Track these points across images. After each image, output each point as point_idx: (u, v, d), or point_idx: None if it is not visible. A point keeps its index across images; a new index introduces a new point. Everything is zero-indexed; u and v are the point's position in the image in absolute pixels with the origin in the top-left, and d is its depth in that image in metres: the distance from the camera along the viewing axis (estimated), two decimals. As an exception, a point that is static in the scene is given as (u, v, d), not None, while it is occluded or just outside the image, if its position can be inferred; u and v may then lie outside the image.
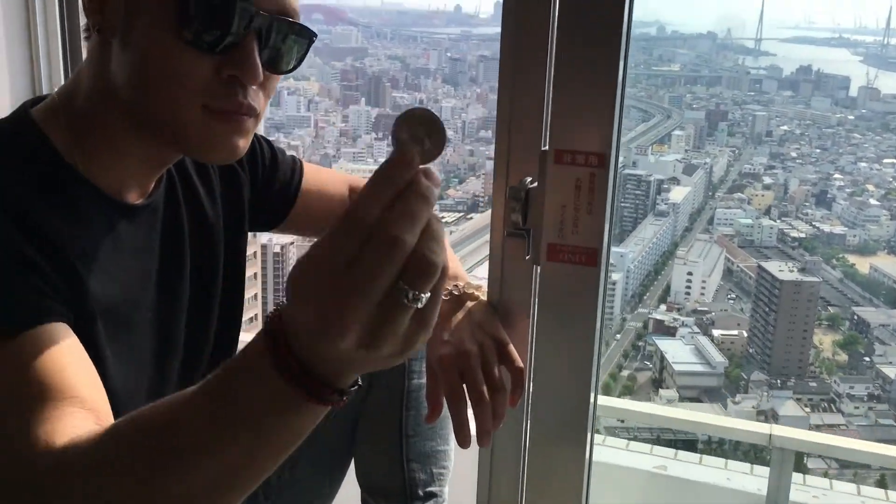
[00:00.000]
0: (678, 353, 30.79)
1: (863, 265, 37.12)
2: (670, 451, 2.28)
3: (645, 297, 36.45)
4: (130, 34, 0.91)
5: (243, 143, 0.96)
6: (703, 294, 35.37)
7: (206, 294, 1.13)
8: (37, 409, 0.73)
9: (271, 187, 1.27)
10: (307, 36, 0.97)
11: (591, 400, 1.17)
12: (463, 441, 1.13)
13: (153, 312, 1.03)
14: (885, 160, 43.77)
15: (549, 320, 1.16)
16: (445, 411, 1.38)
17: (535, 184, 1.12)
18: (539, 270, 1.15)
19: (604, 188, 1.08)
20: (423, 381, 1.36)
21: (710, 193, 43.08)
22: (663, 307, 34.85)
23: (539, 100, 1.12)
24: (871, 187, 41.38)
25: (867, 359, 31.52)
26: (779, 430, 2.01)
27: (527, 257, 1.15)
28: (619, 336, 34.14)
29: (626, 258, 35.69)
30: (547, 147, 1.11)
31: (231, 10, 0.89)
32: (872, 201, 40.00)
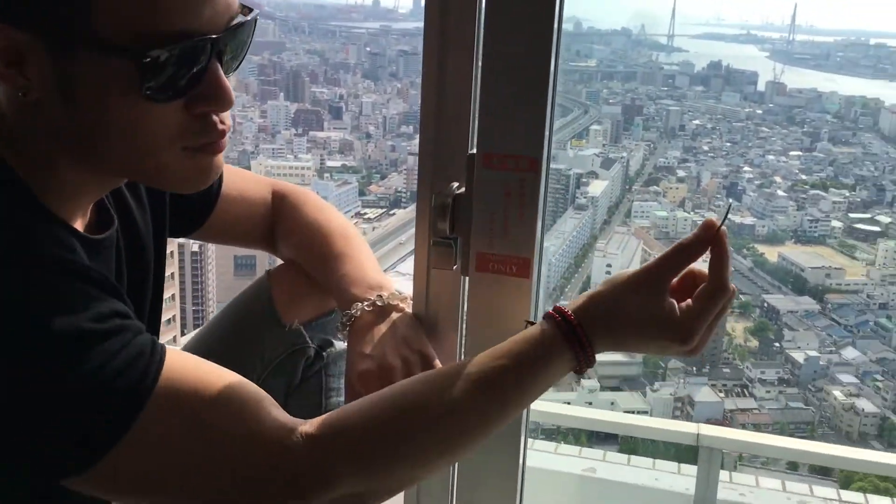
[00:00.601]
0: (599, 343, 31.41)
1: (772, 254, 38.65)
2: (599, 453, 2.26)
3: (566, 290, 37.09)
4: (75, 95, 0.81)
5: (222, 160, 0.91)
6: (621, 285, 36.14)
7: (138, 308, 1.04)
8: (238, 409, 0.84)
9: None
10: (254, 21, 0.89)
11: (525, 412, 1.11)
12: None
13: None
14: (791, 153, 45.67)
15: (478, 333, 1.09)
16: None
17: (463, 189, 1.05)
18: (467, 281, 1.08)
19: (535, 194, 1.01)
20: (342, 399, 1.28)
21: (626, 187, 44.11)
22: (584, 299, 35.47)
23: (465, 100, 1.05)
24: (778, 179, 43.10)
25: (777, 344, 32.85)
26: (706, 430, 2.01)
27: (454, 267, 1.08)
28: (541, 328, 34.57)
29: (547, 251, 36.04)
30: (475, 151, 1.04)
31: (196, 53, 0.81)
32: (780, 192, 41.67)
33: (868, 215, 40.21)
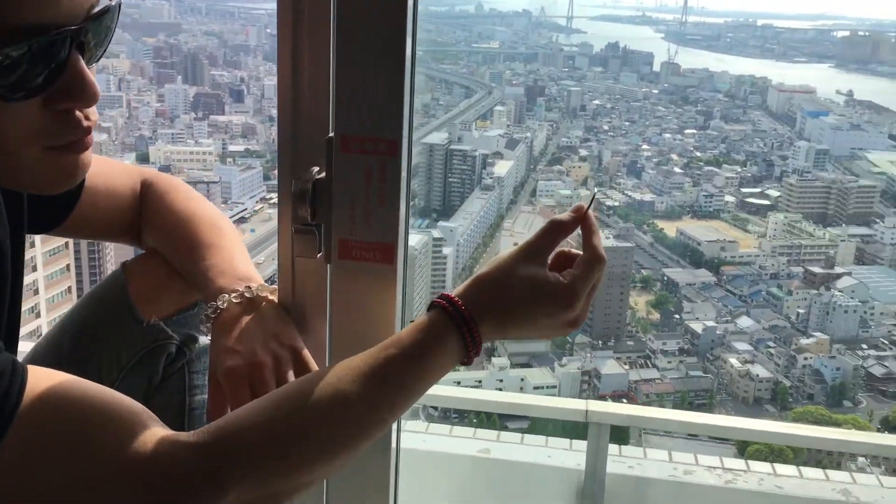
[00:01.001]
0: (508, 321, 31.85)
1: (670, 229, 40.02)
2: (493, 434, 2.27)
3: (475, 269, 37.42)
4: None
5: (89, 157, 0.84)
6: (528, 263, 36.75)
7: None
8: (113, 427, 0.80)
9: None
10: (118, 6, 0.82)
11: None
12: None
13: None
14: (687, 130, 47.28)
15: (344, 322, 1.06)
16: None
17: (323, 174, 1.02)
18: (331, 269, 1.05)
19: (396, 178, 0.99)
20: (206, 396, 1.23)
21: (531, 166, 44.78)
22: (492, 278, 35.88)
23: (322, 82, 1.01)
24: (675, 156, 44.58)
25: (677, 316, 34.09)
26: (594, 406, 2.05)
27: (318, 255, 1.04)
28: (451, 308, 34.86)
29: (455, 232, 36.44)
30: (332, 134, 1.00)
31: (53, 47, 0.74)
32: (676, 169, 43.12)
33: (758, 190, 42.11)
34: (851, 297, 32.38)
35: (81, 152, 0.82)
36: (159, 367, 1.20)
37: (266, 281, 1.13)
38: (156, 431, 0.81)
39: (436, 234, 35.80)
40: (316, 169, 1.03)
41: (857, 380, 30.02)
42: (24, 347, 1.22)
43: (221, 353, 1.04)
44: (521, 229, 37.32)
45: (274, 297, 1.10)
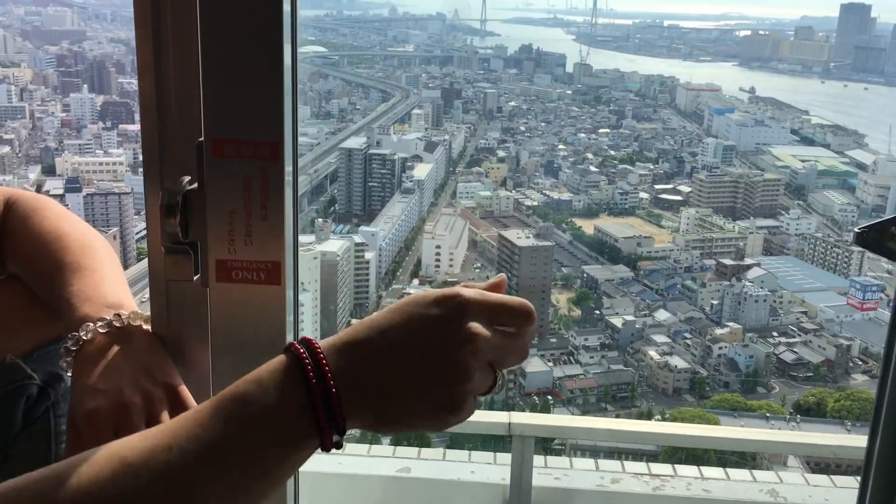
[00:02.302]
0: (432, 324, 31.83)
1: (588, 227, 40.76)
2: (414, 451, 2.15)
3: (398, 273, 37.26)
4: None
5: None
6: (451, 265, 36.89)
7: None
8: None
9: None
10: None
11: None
12: None
13: None
14: (601, 130, 48.29)
15: (229, 352, 0.92)
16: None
17: (195, 185, 0.88)
18: (210, 293, 0.91)
19: (280, 187, 0.85)
20: None
21: (451, 168, 44.93)
22: (416, 281, 35.89)
23: (190, 77, 0.87)
24: (590, 155, 45.44)
25: (597, 312, 34.71)
26: (517, 418, 1.95)
27: (195, 278, 0.90)
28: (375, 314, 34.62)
29: (377, 236, 36.23)
30: (203, 137, 0.86)
31: None
32: (592, 168, 43.97)
33: (671, 186, 43.30)
34: (761, 287, 33.62)
35: None
36: (18, 412, 1.03)
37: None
38: None
39: (357, 239, 35.51)
40: (187, 179, 0.89)
41: (769, 366, 31.18)
42: None
43: (82, 392, 0.89)
44: (443, 231, 37.36)
45: (147, 326, 0.96)
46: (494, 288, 0.72)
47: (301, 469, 0.89)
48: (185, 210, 0.88)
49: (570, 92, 53.38)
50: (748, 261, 36.62)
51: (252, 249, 0.87)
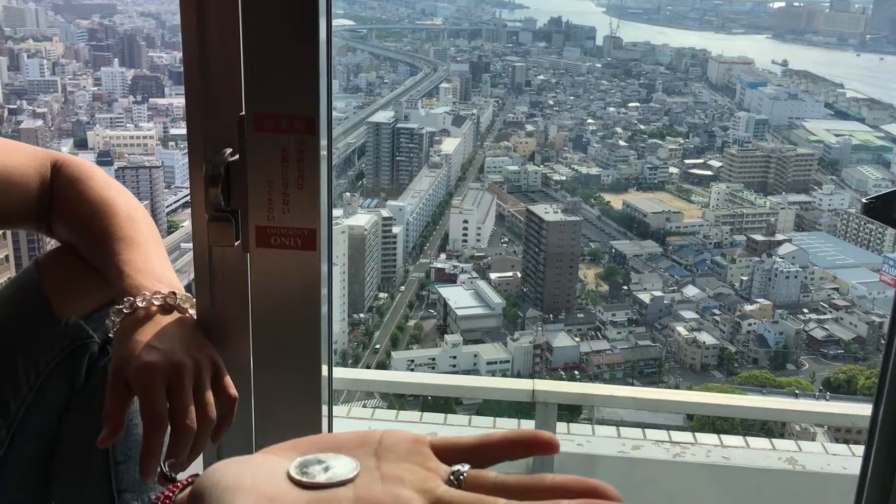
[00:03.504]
0: (460, 298, 31.99)
1: (616, 202, 40.46)
2: (440, 417, 2.22)
3: (425, 248, 37.36)
4: None
5: None
6: (478, 240, 36.89)
7: None
8: None
9: None
10: None
11: (325, 396, 1.02)
12: (149, 473, 0.92)
13: None
14: (631, 104, 47.74)
15: (268, 313, 0.99)
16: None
17: (237, 157, 0.94)
18: (250, 258, 0.97)
19: (315, 158, 0.91)
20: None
21: (478, 143, 44.76)
22: (443, 256, 35.96)
23: (232, 57, 0.93)
24: (619, 130, 45.00)
25: (625, 287, 34.58)
26: (540, 385, 2.01)
27: (236, 244, 0.96)
28: (403, 288, 34.82)
29: (404, 211, 36.29)
30: (244, 112, 0.92)
31: None
32: (621, 143, 43.55)
33: (701, 160, 42.79)
34: (792, 263, 33.24)
35: None
36: (81, 368, 1.11)
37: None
38: None
39: (384, 213, 35.60)
40: (229, 150, 0.95)
41: (799, 343, 30.91)
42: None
43: (137, 347, 0.95)
44: (470, 206, 37.32)
45: (193, 311, 1.02)
46: None
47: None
48: (226, 180, 0.94)
49: (599, 65, 52.76)
50: (779, 236, 36.18)
51: (289, 217, 0.94)
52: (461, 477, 0.55)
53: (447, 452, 0.58)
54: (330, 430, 1.10)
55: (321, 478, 0.55)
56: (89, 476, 1.12)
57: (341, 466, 0.55)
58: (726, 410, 2.10)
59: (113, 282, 1.04)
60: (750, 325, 31.16)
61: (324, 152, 0.93)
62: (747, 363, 30.64)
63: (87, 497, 1.13)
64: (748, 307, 32.08)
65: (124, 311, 0.99)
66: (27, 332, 1.09)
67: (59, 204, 1.12)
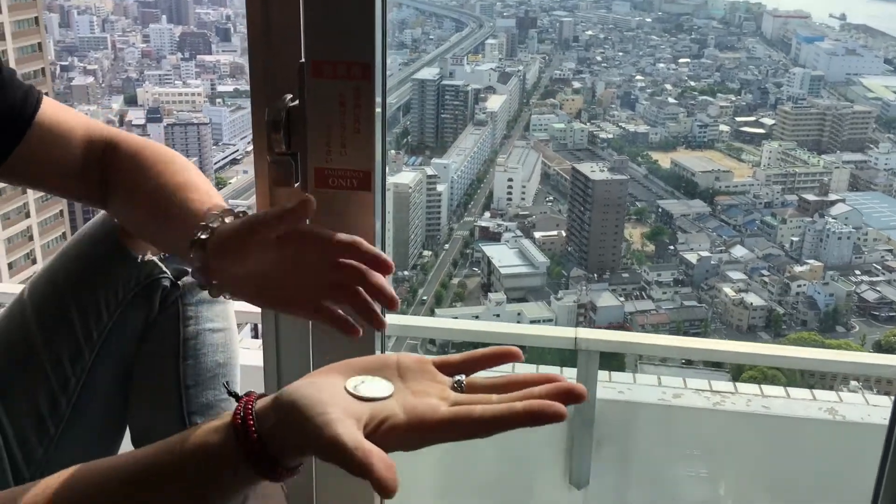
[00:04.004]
0: (504, 256, 32.03)
1: (664, 160, 39.83)
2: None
3: (470, 206, 37.36)
4: None
5: None
6: (523, 198, 36.74)
7: None
8: None
9: None
10: None
11: (377, 342, 1.09)
12: (353, 330, 0.98)
13: None
14: (681, 60, 46.64)
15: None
16: (228, 358, 1.27)
17: (296, 102, 1.00)
18: (309, 198, 1.03)
19: (371, 103, 0.97)
20: (200, 327, 1.23)
21: (524, 100, 44.28)
22: (487, 214, 35.93)
23: (293, 6, 0.98)
24: (668, 86, 44.08)
25: (672, 247, 34.21)
26: (583, 333, 2.06)
27: (295, 184, 1.03)
28: (447, 246, 34.97)
29: (449, 169, 36.25)
30: (304, 59, 0.98)
31: None
32: (670, 100, 42.68)
33: (753, 118, 41.78)
34: (845, 224, 32.50)
35: None
36: (155, 301, 1.21)
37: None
38: None
39: (429, 171, 35.60)
40: (289, 96, 1.01)
41: (849, 305, 30.37)
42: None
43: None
44: (515, 164, 37.11)
45: None
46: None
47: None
48: (287, 124, 1.00)
49: (649, 20, 51.51)
50: (832, 196, 35.33)
51: (346, 159, 1.00)
52: (462, 384, 0.77)
53: (446, 367, 0.80)
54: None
55: (371, 394, 0.72)
56: (162, 400, 1.22)
57: (380, 384, 0.74)
58: (768, 360, 2.13)
59: (184, 218, 1.06)
60: (799, 286, 30.66)
61: (378, 98, 0.98)
62: (795, 325, 30.23)
63: (159, 419, 1.23)
64: (798, 268, 31.54)
65: (202, 237, 0.99)
66: (107, 267, 1.19)
67: (117, 184, 1.15)
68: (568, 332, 2.10)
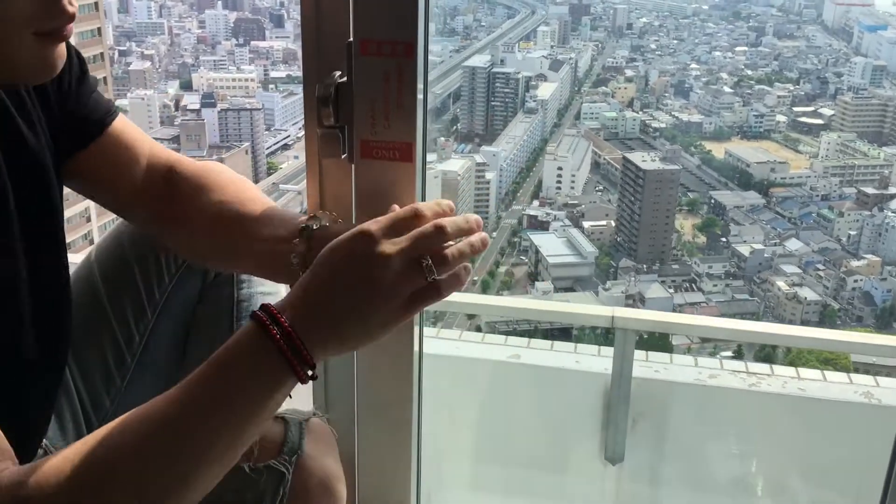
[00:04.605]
0: (551, 246, 31.89)
1: (718, 150, 39.13)
2: (524, 341, 2.35)
3: (518, 194, 37.26)
4: None
5: (64, 50, 0.89)
6: (572, 187, 36.50)
7: (44, 225, 1.01)
8: None
9: (71, 105, 1.09)
10: None
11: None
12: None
13: None
14: (738, 48, 45.68)
15: (368, 218, 1.13)
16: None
17: (345, 79, 1.07)
18: (355, 168, 1.11)
19: (412, 80, 1.04)
20: (252, 290, 1.32)
21: (576, 88, 43.87)
22: (536, 203, 35.79)
23: (342, -13, 1.06)
24: (724, 75, 43.23)
25: (724, 239, 33.65)
26: (620, 313, 2.11)
27: (343, 156, 1.11)
28: (495, 234, 34.97)
29: (498, 157, 36.16)
30: (352, 38, 1.05)
31: None
32: (726, 89, 41.88)
33: (812, 108, 40.76)
34: (906, 218, 31.61)
35: (64, 40, 0.87)
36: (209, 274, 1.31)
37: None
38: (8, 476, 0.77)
39: (478, 158, 35.57)
40: (338, 73, 1.08)
41: (908, 302, 29.59)
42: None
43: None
44: (565, 153, 36.87)
45: None
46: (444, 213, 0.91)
47: (425, 352, 1.14)
48: (336, 99, 1.08)
49: (706, 7, 50.52)
50: (893, 190, 34.34)
51: (390, 131, 1.07)
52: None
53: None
54: (420, 345, 1.25)
55: None
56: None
57: None
58: (804, 342, 2.15)
59: (280, 217, 1.12)
60: (856, 281, 29.94)
61: (420, 75, 1.05)
62: (851, 320, 29.54)
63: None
64: (855, 263, 30.77)
65: (313, 225, 1.07)
66: None
67: (180, 213, 1.18)
68: (605, 311, 2.15)
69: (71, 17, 0.85)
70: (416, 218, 0.87)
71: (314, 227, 1.06)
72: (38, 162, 1.01)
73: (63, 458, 0.77)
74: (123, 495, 0.77)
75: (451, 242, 0.88)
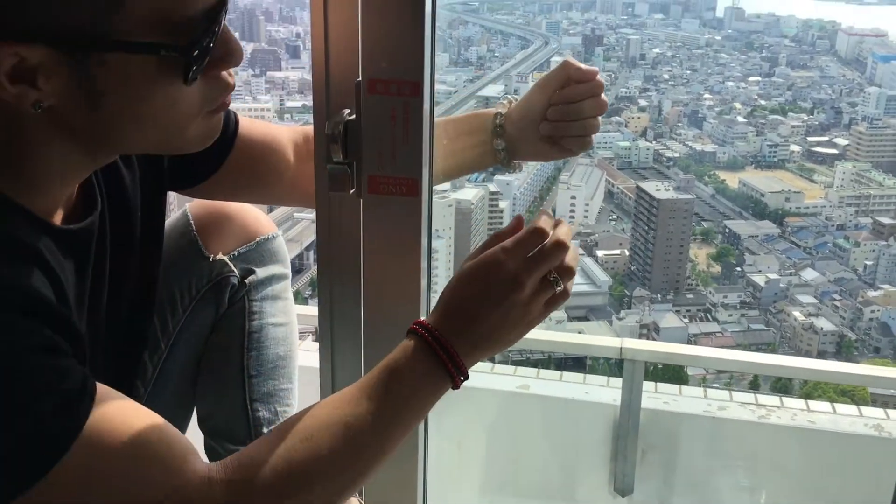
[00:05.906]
0: (565, 275, 31.73)
1: (732, 180, 39.09)
2: (533, 371, 2.36)
3: (531, 216, 37.20)
4: (102, 96, 0.79)
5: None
6: (586, 216, 36.50)
7: (124, 268, 1.06)
8: (162, 460, 0.84)
9: None
10: None
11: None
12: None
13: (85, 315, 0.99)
14: (751, 78, 45.79)
15: (376, 250, 1.16)
16: (288, 351, 1.38)
17: (353, 116, 1.11)
18: (363, 203, 1.15)
19: (419, 117, 1.07)
20: (264, 321, 1.35)
21: (589, 118, 43.91)
22: (550, 232, 35.69)
23: (351, 29, 1.09)
24: (738, 105, 43.31)
25: (738, 269, 33.49)
26: (629, 343, 2.12)
27: (351, 191, 1.14)
28: (509, 263, 34.86)
29: (512, 186, 36.28)
30: (360, 78, 1.09)
31: (216, 20, 0.82)
32: (739, 119, 41.92)
33: (826, 138, 40.71)
34: (922, 249, 31.36)
35: (226, 108, 0.93)
36: (225, 297, 1.34)
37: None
38: (194, 469, 0.85)
39: (492, 187, 35.66)
40: (347, 111, 1.12)
41: (926, 333, 29.26)
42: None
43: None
44: (579, 182, 36.93)
45: None
46: (517, 228, 1.01)
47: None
48: (344, 136, 1.11)
49: (719, 38, 50.76)
50: (909, 220, 34.14)
51: (396, 167, 1.10)
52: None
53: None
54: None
55: None
56: (227, 388, 1.34)
57: None
58: (814, 375, 2.15)
59: (468, 124, 1.35)
60: (873, 311, 29.66)
61: (426, 113, 1.09)
62: (868, 351, 29.23)
63: (223, 404, 1.35)
64: (872, 293, 30.51)
65: (499, 122, 1.33)
66: (183, 264, 1.32)
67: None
68: (614, 342, 2.16)
69: (233, 88, 0.90)
70: (538, 236, 0.97)
71: (500, 123, 1.29)
72: (128, 205, 1.06)
73: (264, 459, 0.87)
74: (320, 499, 0.89)
75: None
